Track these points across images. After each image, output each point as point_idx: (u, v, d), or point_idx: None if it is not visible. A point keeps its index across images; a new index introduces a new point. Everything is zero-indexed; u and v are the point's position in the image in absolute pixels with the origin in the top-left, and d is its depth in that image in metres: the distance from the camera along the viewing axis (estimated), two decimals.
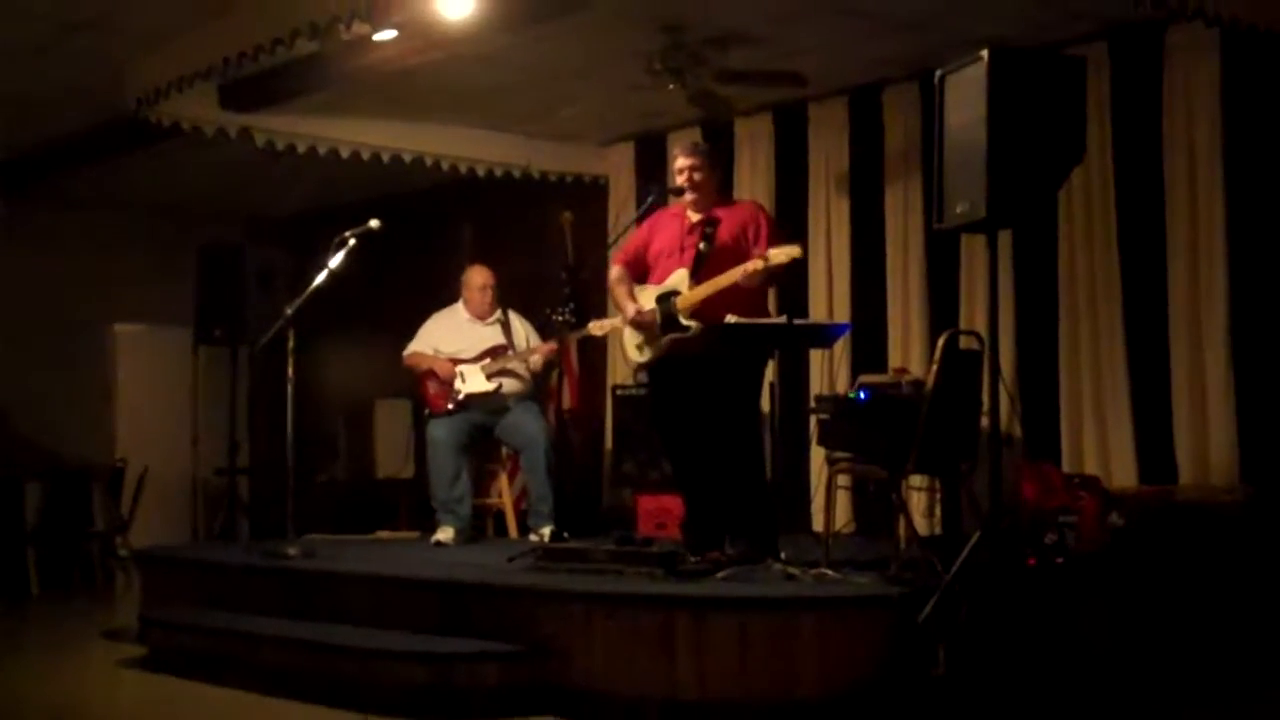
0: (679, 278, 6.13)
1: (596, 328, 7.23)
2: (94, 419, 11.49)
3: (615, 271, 6.51)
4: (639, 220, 6.62)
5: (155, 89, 7.58)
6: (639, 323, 6.24)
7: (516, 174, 9.69)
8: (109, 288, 11.46)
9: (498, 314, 8.15)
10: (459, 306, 8.22)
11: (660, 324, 6.14)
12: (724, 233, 6.09)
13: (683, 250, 6.19)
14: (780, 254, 5.73)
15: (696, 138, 8.71)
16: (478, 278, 8.16)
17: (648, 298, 6.26)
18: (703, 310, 5.99)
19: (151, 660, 6.58)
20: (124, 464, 10.56)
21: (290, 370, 7.09)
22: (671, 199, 6.52)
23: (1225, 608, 5.65)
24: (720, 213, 6.18)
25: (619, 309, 6.46)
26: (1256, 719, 5.07)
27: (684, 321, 6.04)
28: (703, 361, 6.04)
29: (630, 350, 6.39)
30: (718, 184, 6.42)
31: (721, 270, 5.96)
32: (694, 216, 6.24)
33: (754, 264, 5.78)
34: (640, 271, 6.40)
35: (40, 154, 9.80)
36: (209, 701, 5.83)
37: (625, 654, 5.06)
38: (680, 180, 6.28)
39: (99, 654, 7.06)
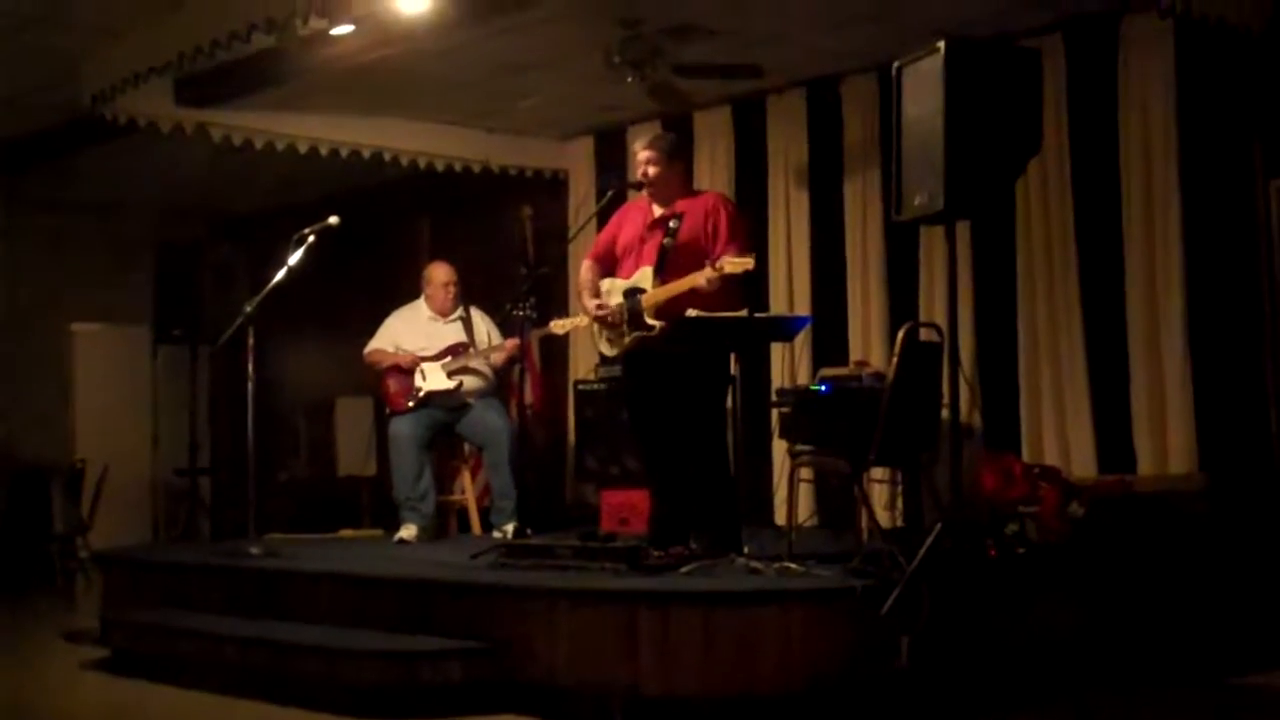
0: (643, 275, 6.08)
1: (558, 326, 7.20)
2: (52, 419, 11.38)
3: (585, 266, 6.47)
4: (598, 213, 6.59)
5: (110, 85, 7.52)
6: (602, 319, 6.21)
7: (475, 169, 9.65)
8: (66, 287, 11.36)
9: (459, 311, 8.11)
10: (420, 303, 8.16)
11: (627, 321, 6.12)
12: (685, 229, 6.05)
13: (643, 243, 6.15)
14: (733, 265, 5.64)
15: (656, 131, 8.70)
16: (441, 274, 8.11)
17: (614, 291, 6.23)
18: (667, 310, 5.95)
19: (113, 662, 6.54)
20: (83, 465, 10.46)
21: (250, 368, 7.03)
22: (631, 193, 6.49)
23: (1184, 596, 5.70)
24: (684, 205, 6.11)
25: (581, 305, 6.43)
26: (1216, 704, 5.12)
27: (649, 321, 6.01)
28: (668, 356, 6.02)
29: (600, 343, 6.38)
30: (680, 175, 6.31)
31: (683, 266, 5.90)
32: (656, 210, 6.20)
33: (708, 273, 5.74)
34: (610, 265, 6.36)
35: None
36: (172, 703, 5.79)
37: (589, 649, 5.04)
38: (639, 174, 6.26)
39: (60, 656, 7.00)
